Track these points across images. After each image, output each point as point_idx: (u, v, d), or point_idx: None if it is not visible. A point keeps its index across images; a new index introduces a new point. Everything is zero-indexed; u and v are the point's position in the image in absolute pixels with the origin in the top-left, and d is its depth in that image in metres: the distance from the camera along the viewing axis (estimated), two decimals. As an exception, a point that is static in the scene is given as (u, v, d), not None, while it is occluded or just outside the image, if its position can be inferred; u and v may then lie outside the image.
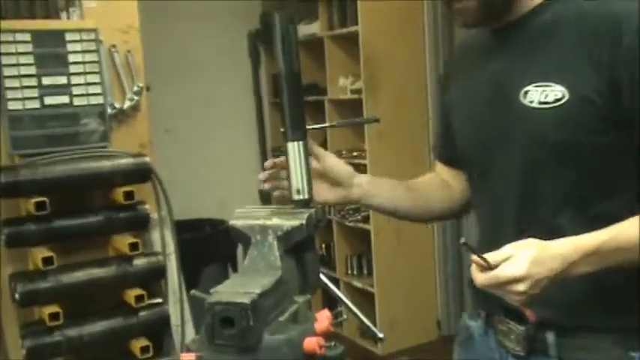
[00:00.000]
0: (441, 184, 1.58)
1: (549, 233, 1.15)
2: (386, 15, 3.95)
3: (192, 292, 1.09)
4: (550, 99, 1.19)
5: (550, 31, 1.23)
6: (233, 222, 1.09)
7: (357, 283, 4.22)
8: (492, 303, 1.30)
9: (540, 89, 1.21)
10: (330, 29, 4.24)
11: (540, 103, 1.21)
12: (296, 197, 1.14)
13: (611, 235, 1.13)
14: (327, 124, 1.37)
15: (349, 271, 4.36)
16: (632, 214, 1.16)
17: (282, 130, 1.15)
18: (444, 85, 1.52)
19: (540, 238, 1.13)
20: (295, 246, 1.05)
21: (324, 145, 4.21)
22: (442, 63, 4.08)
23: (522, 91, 1.23)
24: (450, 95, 1.48)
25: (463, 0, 1.25)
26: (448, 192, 1.56)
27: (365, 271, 4.30)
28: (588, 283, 1.16)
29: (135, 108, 2.81)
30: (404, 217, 1.54)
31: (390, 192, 1.50)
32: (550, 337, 1.27)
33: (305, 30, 4.22)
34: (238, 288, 0.95)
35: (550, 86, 1.20)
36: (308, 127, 1.18)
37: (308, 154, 1.15)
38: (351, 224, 4.19)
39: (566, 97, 1.18)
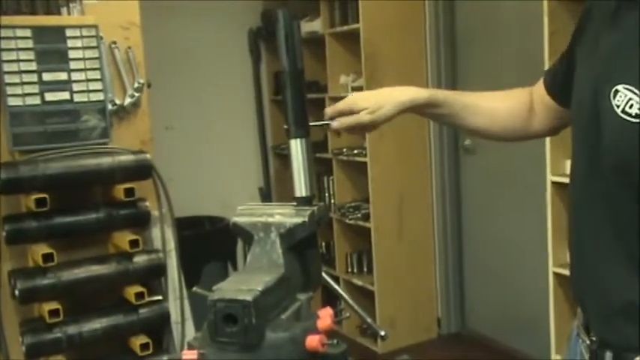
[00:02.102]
0: (521, 111, 1.50)
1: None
2: (387, 13, 3.95)
3: (194, 289, 1.09)
4: (632, 111, 1.01)
5: None
6: (235, 219, 1.09)
7: (357, 281, 4.22)
8: (583, 305, 1.25)
9: (629, 94, 1.01)
10: (331, 27, 4.24)
11: (623, 111, 1.02)
12: (298, 194, 1.13)
13: None
14: (328, 121, 1.37)
15: (349, 269, 4.36)
16: None
17: (285, 127, 1.14)
18: (583, 18, 1.27)
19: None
20: (298, 243, 1.05)
21: (324, 142, 4.21)
22: (443, 60, 4.08)
23: (613, 89, 1.04)
24: (579, 45, 1.28)
25: None
26: (527, 122, 1.49)
27: (365, 269, 4.30)
28: None
29: (135, 104, 2.81)
30: (461, 129, 1.57)
31: (450, 102, 1.49)
32: (608, 356, 1.17)
33: (306, 27, 4.22)
34: (241, 285, 0.94)
35: (637, 95, 1.00)
36: (310, 124, 1.18)
37: (311, 150, 1.15)
38: (352, 222, 4.19)
39: None
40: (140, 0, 2.83)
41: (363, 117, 1.43)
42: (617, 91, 1.03)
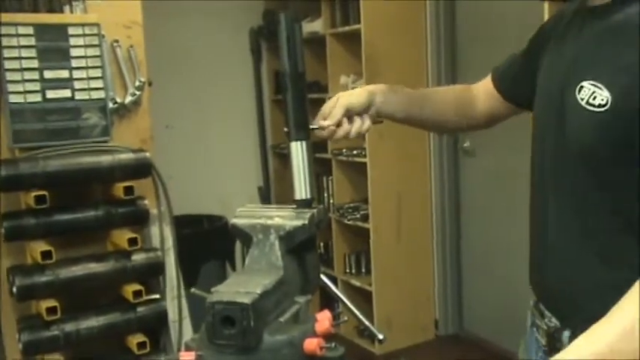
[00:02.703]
0: (465, 99, 1.66)
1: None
2: (388, 13, 3.95)
3: (192, 290, 1.09)
4: (595, 102, 1.15)
5: (624, 28, 1.15)
6: (235, 220, 1.09)
7: (355, 282, 4.22)
8: (537, 290, 1.37)
9: (593, 88, 1.15)
10: (332, 27, 4.24)
11: (587, 103, 1.16)
12: (298, 197, 1.13)
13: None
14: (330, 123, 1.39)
15: (347, 270, 4.36)
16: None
17: (285, 129, 1.14)
18: (543, 32, 1.46)
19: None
20: (297, 246, 1.05)
21: (324, 143, 4.21)
22: (443, 61, 4.08)
23: (579, 85, 1.18)
24: (543, 51, 1.42)
25: None
26: (468, 109, 1.65)
27: (363, 270, 4.31)
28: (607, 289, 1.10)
29: (136, 103, 2.81)
30: (414, 126, 1.66)
31: (400, 103, 1.57)
32: (565, 335, 1.26)
33: (307, 28, 4.22)
34: (239, 287, 0.94)
35: (600, 89, 1.14)
36: (311, 126, 1.18)
37: (311, 153, 1.15)
38: (350, 222, 4.19)
39: (608, 106, 1.13)
40: (142, -1, 2.84)
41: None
42: (582, 87, 1.17)
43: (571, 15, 1.32)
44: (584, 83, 1.17)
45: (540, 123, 1.36)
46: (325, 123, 1.43)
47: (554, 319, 1.31)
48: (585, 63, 1.20)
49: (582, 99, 1.16)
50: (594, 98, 1.14)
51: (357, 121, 1.45)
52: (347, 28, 4.12)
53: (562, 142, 1.24)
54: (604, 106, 1.13)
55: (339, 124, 1.45)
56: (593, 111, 1.14)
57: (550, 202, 1.30)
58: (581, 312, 1.20)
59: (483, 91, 1.64)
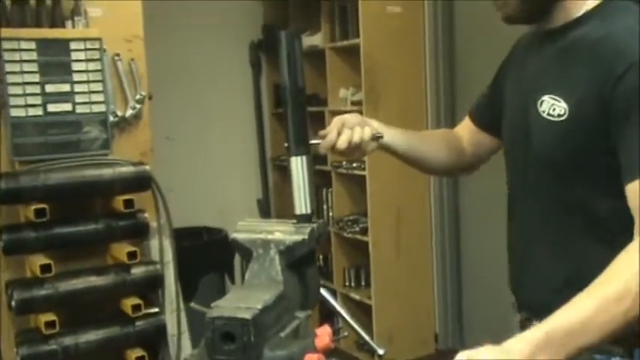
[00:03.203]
0: (452, 138, 1.72)
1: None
2: (387, 28, 3.96)
3: (192, 304, 1.09)
4: (555, 113, 1.28)
5: (575, 48, 1.29)
6: (235, 235, 1.10)
7: (355, 295, 4.22)
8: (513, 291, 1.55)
9: (552, 101, 1.29)
10: (331, 41, 4.25)
11: (548, 114, 1.30)
12: (298, 211, 1.14)
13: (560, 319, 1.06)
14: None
15: (347, 283, 4.35)
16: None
17: (285, 144, 1.15)
18: (506, 62, 1.60)
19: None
20: (297, 261, 1.06)
21: (323, 155, 4.22)
22: (442, 75, 4.10)
23: (540, 100, 1.31)
24: (506, 79, 1.56)
25: None
26: (457, 147, 1.70)
27: (363, 283, 4.29)
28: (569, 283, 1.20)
29: (137, 116, 2.82)
30: (414, 162, 1.68)
31: (402, 135, 1.62)
32: (535, 324, 1.25)
33: (307, 41, 4.23)
34: (239, 302, 0.94)
35: (558, 101, 1.28)
36: (311, 141, 1.19)
37: (311, 168, 1.16)
38: (350, 235, 4.19)
39: (566, 116, 1.27)
40: (144, 13, 2.85)
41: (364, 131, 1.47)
42: (542, 101, 1.31)
43: (530, 38, 1.47)
44: (544, 97, 1.31)
45: (509, 138, 1.50)
46: (323, 132, 1.42)
47: (525, 314, 1.47)
48: (545, 79, 1.34)
49: (543, 111, 1.31)
50: (554, 110, 1.29)
51: (357, 129, 1.45)
52: (346, 42, 4.13)
53: (528, 153, 1.38)
54: (562, 115, 1.27)
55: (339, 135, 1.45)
56: (554, 121, 1.29)
57: (521, 210, 1.48)
58: (551, 308, 1.21)
59: (466, 130, 1.72)
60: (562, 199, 1.34)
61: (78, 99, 2.62)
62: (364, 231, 4.09)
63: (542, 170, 1.36)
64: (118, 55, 2.77)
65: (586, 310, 1.05)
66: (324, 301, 1.31)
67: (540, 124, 1.32)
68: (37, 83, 2.54)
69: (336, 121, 1.45)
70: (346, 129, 1.44)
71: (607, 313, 1.04)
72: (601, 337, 1.05)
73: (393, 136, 1.57)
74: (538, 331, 1.04)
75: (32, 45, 2.52)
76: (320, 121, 4.20)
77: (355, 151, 1.47)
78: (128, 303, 2.60)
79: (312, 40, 4.30)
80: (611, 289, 1.05)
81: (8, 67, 2.49)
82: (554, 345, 1.03)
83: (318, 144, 1.39)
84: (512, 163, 1.49)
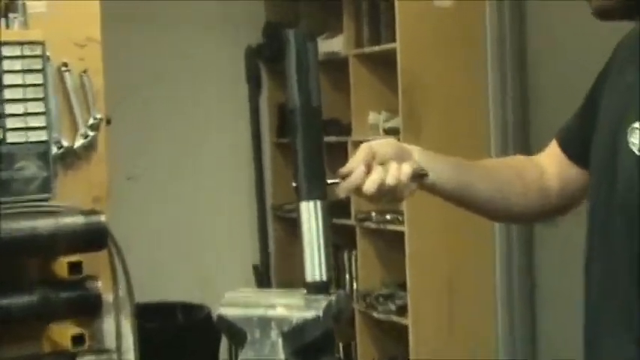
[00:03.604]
0: (531, 170, 1.67)
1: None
2: (434, 28, 4.01)
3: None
4: None
5: None
6: (222, 310, 1.10)
7: (388, 399, 4.20)
8: None
9: None
10: (357, 46, 4.30)
11: (639, 149, 1.26)
12: (310, 278, 1.14)
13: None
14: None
15: (377, 383, 4.34)
16: None
17: (293, 184, 1.16)
18: (605, 70, 1.56)
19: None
20: (307, 347, 1.06)
21: (345, 203, 4.23)
22: (510, 91, 4.11)
23: (631, 126, 1.29)
24: (602, 94, 1.52)
25: None
26: (538, 183, 1.66)
27: (400, 384, 4.28)
28: None
29: (89, 147, 2.85)
30: (471, 205, 1.64)
31: (453, 168, 1.58)
32: None
33: (325, 47, 4.28)
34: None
35: None
36: (329, 181, 1.20)
37: (328, 218, 1.17)
38: (382, 316, 4.18)
39: None
40: (102, 10, 2.89)
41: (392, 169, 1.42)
42: (633, 129, 1.28)
43: (634, 39, 1.44)
44: (636, 124, 1.27)
45: (594, 174, 1.47)
46: (345, 170, 1.39)
47: None
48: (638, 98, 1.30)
49: (634, 144, 1.27)
50: None
51: (393, 165, 1.40)
52: (377, 48, 4.18)
53: (611, 196, 1.35)
54: None
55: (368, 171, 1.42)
56: None
57: (595, 266, 1.42)
58: None
59: (552, 160, 1.68)
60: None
61: (10, 123, 2.65)
62: (402, 310, 4.08)
63: (625, 223, 1.32)
64: (66, 64, 2.81)
65: None
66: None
67: (629, 160, 1.29)
68: (-48, 101, 2.58)
69: (364, 151, 1.41)
70: (377, 164, 1.42)
71: None
72: None
73: (441, 171, 1.53)
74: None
75: (-52, 50, 2.57)
76: (341, 155, 4.21)
77: (388, 195, 1.43)
78: (72, 409, 2.61)
79: (331, 44, 4.35)
80: None
81: None
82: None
83: (338, 184, 1.39)
84: (594, 210, 1.45)
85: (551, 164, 1.67)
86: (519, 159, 1.76)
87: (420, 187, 1.51)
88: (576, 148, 1.61)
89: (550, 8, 3.97)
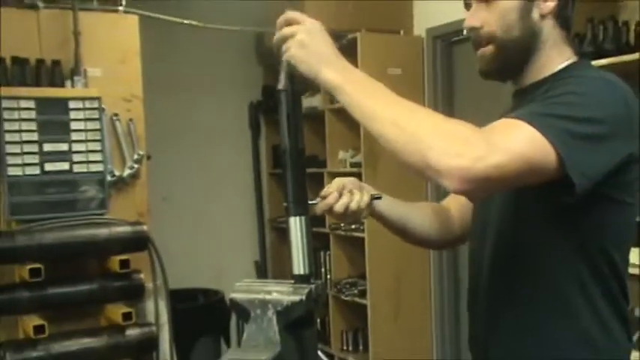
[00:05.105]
0: (441, 211, 1.66)
1: None
2: (386, 84, 4.02)
3: (189, 365, 1.09)
4: None
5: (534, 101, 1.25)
6: (233, 295, 1.10)
7: (353, 360, 4.18)
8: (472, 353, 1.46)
9: None
10: (331, 102, 4.31)
11: None
12: (297, 272, 1.14)
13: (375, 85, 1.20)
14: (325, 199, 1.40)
15: (344, 347, 4.31)
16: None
17: (284, 204, 1.17)
18: None
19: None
20: (295, 322, 1.06)
21: (322, 216, 4.23)
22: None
23: None
24: None
25: (483, 46, 1.33)
26: (446, 220, 1.64)
27: (361, 347, 4.25)
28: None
29: (134, 176, 2.85)
30: (403, 233, 1.60)
31: (394, 204, 1.57)
32: None
33: (306, 103, 4.29)
34: (237, 363, 0.95)
35: None
36: (310, 202, 1.20)
37: (310, 228, 1.17)
38: (348, 298, 4.17)
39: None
40: (143, 74, 2.90)
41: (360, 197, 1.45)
42: None
43: (511, 97, 1.46)
44: None
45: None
46: (324, 193, 1.43)
47: None
48: None
49: None
50: None
51: (357, 193, 1.45)
52: (345, 103, 4.19)
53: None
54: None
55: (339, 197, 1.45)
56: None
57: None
58: None
59: (454, 202, 1.66)
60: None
61: (75, 158, 2.65)
62: (363, 294, 4.07)
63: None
64: (116, 114, 2.82)
65: (387, 95, 1.18)
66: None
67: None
68: (35, 142, 2.57)
69: (336, 182, 1.46)
70: (346, 192, 1.45)
71: (393, 112, 1.15)
72: (368, 113, 1.15)
73: (386, 204, 1.55)
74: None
75: (31, 104, 2.57)
76: (319, 183, 4.23)
77: (350, 216, 1.47)
78: (122, 366, 2.58)
79: (311, 101, 4.37)
80: (414, 114, 1.16)
81: (7, 126, 2.52)
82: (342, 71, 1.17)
83: (316, 205, 1.41)
84: (476, 227, 1.48)
85: (454, 204, 1.65)
86: (434, 204, 1.73)
87: (372, 215, 1.53)
88: None
89: (473, 77, 4.00)
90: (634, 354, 2.34)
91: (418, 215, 1.61)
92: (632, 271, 2.22)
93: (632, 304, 2.51)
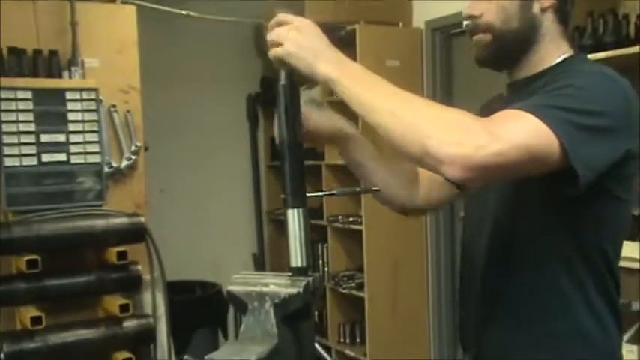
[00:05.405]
0: (412, 170, 1.63)
1: None
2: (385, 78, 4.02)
3: (186, 357, 1.09)
4: None
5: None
6: (230, 287, 1.10)
7: (350, 352, 4.18)
8: (462, 342, 1.48)
9: None
10: (330, 94, 4.31)
11: None
12: (294, 264, 1.14)
13: (374, 78, 1.20)
14: (327, 192, 1.37)
15: (342, 339, 4.32)
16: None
17: (282, 196, 1.16)
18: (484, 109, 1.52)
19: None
20: (292, 314, 1.06)
21: (320, 209, 4.23)
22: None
23: None
24: None
25: (480, 34, 1.34)
26: (414, 180, 1.63)
27: (358, 340, 4.26)
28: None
29: (132, 167, 2.84)
30: (366, 181, 1.60)
31: (367, 149, 1.56)
32: None
33: (304, 95, 4.28)
34: (233, 355, 0.95)
35: None
36: (308, 194, 1.20)
37: (308, 221, 1.17)
38: (346, 291, 4.17)
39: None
40: (141, 65, 2.89)
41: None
42: None
43: (505, 88, 1.45)
44: None
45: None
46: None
47: None
48: None
49: None
50: None
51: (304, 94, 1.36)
52: (344, 95, 4.18)
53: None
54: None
55: None
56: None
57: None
58: None
59: (427, 173, 1.60)
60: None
61: (73, 149, 2.64)
62: (360, 286, 4.08)
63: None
64: (114, 106, 2.81)
65: (385, 86, 1.18)
66: (319, 357, 1.31)
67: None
68: (32, 133, 2.57)
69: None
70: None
71: (391, 103, 1.15)
72: (365, 105, 1.17)
73: (357, 143, 1.55)
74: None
75: (28, 94, 2.56)
76: (317, 176, 4.23)
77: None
78: (120, 357, 2.59)
79: (310, 94, 4.35)
80: (413, 104, 1.16)
81: (4, 116, 2.52)
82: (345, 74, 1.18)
83: (320, 196, 1.41)
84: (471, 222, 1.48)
85: (426, 175, 1.60)
86: (408, 165, 1.63)
87: (345, 137, 1.56)
88: None
89: (473, 68, 4.00)
90: (632, 347, 2.35)
91: (383, 172, 1.58)
92: (631, 265, 2.23)
93: (629, 297, 2.52)
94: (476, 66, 1.41)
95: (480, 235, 1.39)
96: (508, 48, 1.34)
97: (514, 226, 1.32)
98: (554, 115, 1.12)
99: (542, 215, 1.28)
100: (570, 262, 1.27)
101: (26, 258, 2.42)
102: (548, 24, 1.34)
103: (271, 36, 1.18)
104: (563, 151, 1.11)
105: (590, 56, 2.48)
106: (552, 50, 1.35)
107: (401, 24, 4.15)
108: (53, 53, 2.70)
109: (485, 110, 1.47)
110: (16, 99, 2.53)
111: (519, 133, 1.10)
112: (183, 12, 3.63)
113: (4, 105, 2.52)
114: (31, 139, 2.57)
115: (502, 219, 1.34)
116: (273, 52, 1.18)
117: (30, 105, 2.57)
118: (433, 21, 4.03)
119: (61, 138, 2.63)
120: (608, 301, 1.30)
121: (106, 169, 2.75)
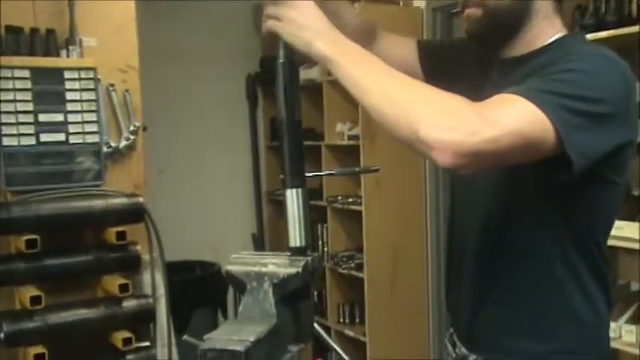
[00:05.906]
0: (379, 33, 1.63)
1: None
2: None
3: (185, 337, 1.09)
4: None
5: (530, 75, 1.22)
6: (229, 267, 1.10)
7: (349, 332, 4.20)
8: (454, 324, 1.49)
9: None
10: (329, 74, 4.29)
11: None
12: (293, 244, 1.14)
13: (371, 58, 1.18)
14: (326, 172, 1.37)
15: (341, 320, 4.34)
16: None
17: (281, 176, 1.16)
18: (469, 51, 1.50)
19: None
20: (291, 294, 1.06)
21: (319, 189, 4.23)
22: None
23: None
24: (458, 71, 1.50)
25: (472, 7, 1.31)
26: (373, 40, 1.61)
27: (357, 320, 4.28)
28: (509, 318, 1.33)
29: (131, 147, 2.84)
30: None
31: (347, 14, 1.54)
32: (472, 358, 1.40)
33: (304, 75, 4.27)
34: (232, 335, 0.95)
35: None
36: (307, 174, 1.20)
37: (307, 201, 1.17)
38: (345, 271, 4.18)
39: None
40: (140, 42, 2.88)
41: None
42: None
43: (489, 64, 1.41)
44: None
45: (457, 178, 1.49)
46: None
47: (463, 349, 1.43)
48: None
49: None
50: None
51: None
52: (344, 75, 4.16)
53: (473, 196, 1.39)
54: None
55: None
56: None
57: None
58: (488, 344, 1.37)
59: (397, 41, 1.63)
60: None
61: (71, 129, 2.64)
62: (359, 267, 4.09)
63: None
64: (112, 85, 2.80)
65: (381, 68, 1.16)
66: (318, 337, 1.31)
67: None
68: (30, 112, 2.56)
69: None
70: None
71: (384, 86, 1.14)
72: (360, 85, 1.18)
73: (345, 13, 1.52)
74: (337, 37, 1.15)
75: (26, 73, 2.55)
76: (316, 156, 4.23)
77: None
78: (119, 336, 2.60)
79: (309, 73, 4.34)
80: (407, 87, 1.13)
81: (2, 96, 2.51)
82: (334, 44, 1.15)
83: (319, 176, 1.41)
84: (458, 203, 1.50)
85: (395, 41, 1.62)
86: (383, 34, 1.64)
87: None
88: (427, 58, 1.59)
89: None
90: (631, 327, 2.35)
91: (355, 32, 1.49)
92: (631, 245, 2.23)
93: (629, 278, 2.53)
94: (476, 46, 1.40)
95: (470, 220, 1.39)
96: (499, 23, 1.31)
97: (507, 211, 1.31)
98: (549, 100, 1.10)
99: (536, 200, 1.27)
100: (564, 246, 1.27)
101: (25, 238, 2.42)
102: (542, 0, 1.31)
103: (269, 12, 1.16)
104: (557, 138, 1.09)
105: (591, 35, 2.48)
106: (546, 28, 1.32)
107: (401, 3, 4.13)
108: (50, 32, 2.68)
109: (472, 71, 1.47)
110: (13, 78, 2.52)
111: (513, 118, 1.08)
112: (182, -10, 3.61)
113: (2, 84, 2.51)
114: (29, 118, 2.56)
115: (494, 204, 1.33)
116: (272, 28, 1.16)
117: (28, 84, 2.56)
118: (434, 0, 4.01)
119: (60, 117, 2.62)
120: (600, 284, 1.31)
121: (105, 149, 2.74)
